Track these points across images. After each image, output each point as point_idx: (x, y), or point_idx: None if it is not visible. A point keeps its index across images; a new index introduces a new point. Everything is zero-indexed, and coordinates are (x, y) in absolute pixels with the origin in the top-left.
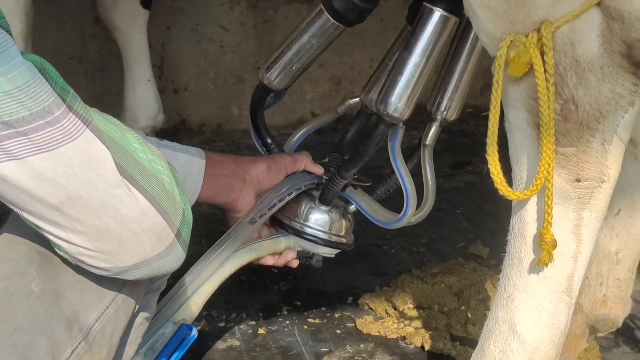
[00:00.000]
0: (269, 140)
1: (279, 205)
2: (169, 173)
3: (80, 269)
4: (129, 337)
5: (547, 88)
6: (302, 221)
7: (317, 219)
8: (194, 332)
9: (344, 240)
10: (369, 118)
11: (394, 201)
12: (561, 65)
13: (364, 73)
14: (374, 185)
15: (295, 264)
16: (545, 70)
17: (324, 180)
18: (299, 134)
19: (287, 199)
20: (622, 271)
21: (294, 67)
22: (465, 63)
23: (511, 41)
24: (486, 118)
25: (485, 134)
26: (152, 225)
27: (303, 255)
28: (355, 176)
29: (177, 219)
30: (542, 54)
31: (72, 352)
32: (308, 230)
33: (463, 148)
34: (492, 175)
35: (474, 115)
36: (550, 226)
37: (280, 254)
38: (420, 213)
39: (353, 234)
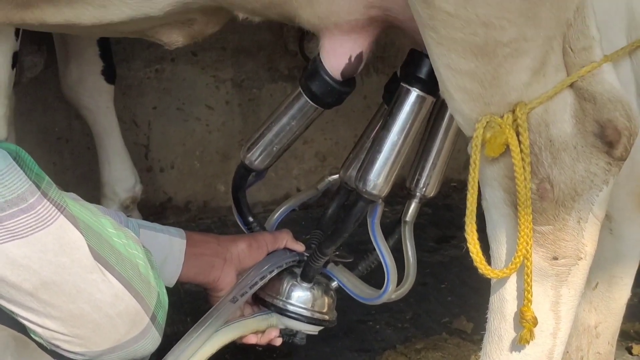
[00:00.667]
0: (251, 219)
1: (261, 283)
2: (144, 257)
3: (56, 354)
4: None
5: (523, 168)
6: (284, 299)
7: (300, 297)
8: None
9: (326, 317)
10: (349, 194)
11: (376, 276)
12: (536, 145)
13: (348, 149)
14: (356, 262)
15: (278, 342)
16: (521, 150)
17: (305, 257)
18: (279, 211)
19: (269, 277)
20: (602, 344)
21: (274, 148)
22: (443, 141)
23: (487, 122)
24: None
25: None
26: (127, 309)
27: (286, 333)
28: (337, 252)
29: (152, 303)
30: (518, 134)
31: None
32: (290, 308)
33: (447, 222)
34: (471, 254)
35: (458, 189)
36: (531, 304)
37: (263, 332)
38: (402, 289)
39: (337, 310)
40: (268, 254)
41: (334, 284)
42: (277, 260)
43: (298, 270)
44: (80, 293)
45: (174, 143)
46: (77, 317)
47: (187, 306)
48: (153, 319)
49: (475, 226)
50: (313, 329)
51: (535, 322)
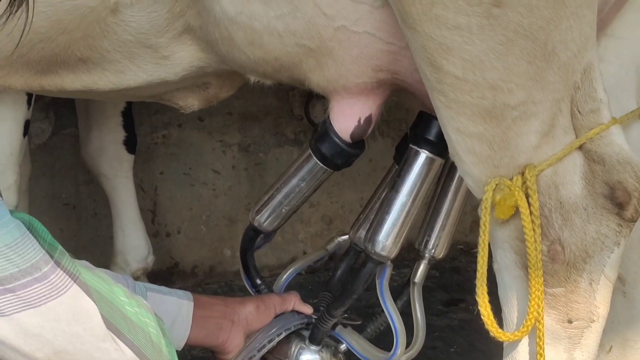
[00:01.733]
0: (259, 281)
1: (269, 346)
2: (156, 325)
3: None
4: None
5: (534, 230)
6: None
7: (307, 359)
8: None
9: None
10: (358, 255)
11: (385, 339)
12: (546, 207)
13: (354, 212)
14: (364, 324)
15: None
16: (530, 213)
17: (314, 320)
18: (287, 273)
19: (277, 339)
20: None
21: (283, 210)
22: (452, 202)
23: (496, 185)
24: (477, 255)
25: (476, 271)
26: None
27: None
28: (346, 315)
29: None
30: (527, 196)
31: None
32: None
33: (455, 285)
34: (482, 317)
35: (465, 251)
36: None
37: None
38: (411, 351)
39: None
40: (276, 317)
41: (343, 347)
42: (285, 322)
43: (306, 333)
44: None
45: (180, 208)
46: None
47: None
48: None
49: (486, 289)
50: None
51: None
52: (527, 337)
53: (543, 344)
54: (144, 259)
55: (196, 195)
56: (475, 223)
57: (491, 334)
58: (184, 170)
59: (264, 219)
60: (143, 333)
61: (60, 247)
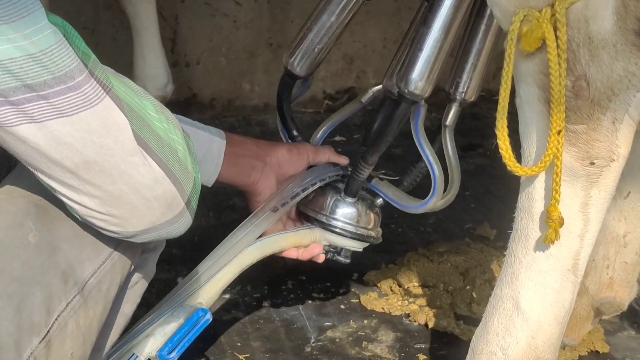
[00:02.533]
0: (295, 132)
1: (302, 195)
2: (183, 142)
3: (76, 223)
4: (126, 295)
5: (559, 64)
6: (327, 214)
7: (344, 212)
8: (209, 316)
9: (372, 234)
10: (394, 105)
11: (423, 191)
12: (574, 42)
13: (377, 52)
14: (402, 178)
15: (321, 258)
16: (557, 46)
17: (349, 172)
18: (324, 128)
19: (311, 189)
20: (629, 254)
21: (316, 49)
22: (482, 41)
23: (524, 16)
24: (497, 102)
25: (496, 117)
26: (164, 194)
27: (331, 250)
28: (383, 171)
29: (188, 188)
30: (555, 29)
31: (66, 305)
32: (334, 222)
33: (474, 131)
34: (500, 150)
35: (486, 98)
36: (558, 204)
37: (305, 247)
38: (448, 196)
39: None
40: (310, 168)
41: (379, 201)
42: (319, 173)
43: (342, 186)
44: (120, 175)
45: (200, 38)
46: (115, 198)
47: (209, 202)
48: (188, 203)
49: (506, 122)
50: (357, 245)
51: (561, 222)
52: (544, 173)
53: (560, 180)
54: (162, 87)
55: (217, 27)
56: (499, 69)
57: (508, 168)
58: None
59: (297, 62)
60: (170, 149)
61: (93, 56)
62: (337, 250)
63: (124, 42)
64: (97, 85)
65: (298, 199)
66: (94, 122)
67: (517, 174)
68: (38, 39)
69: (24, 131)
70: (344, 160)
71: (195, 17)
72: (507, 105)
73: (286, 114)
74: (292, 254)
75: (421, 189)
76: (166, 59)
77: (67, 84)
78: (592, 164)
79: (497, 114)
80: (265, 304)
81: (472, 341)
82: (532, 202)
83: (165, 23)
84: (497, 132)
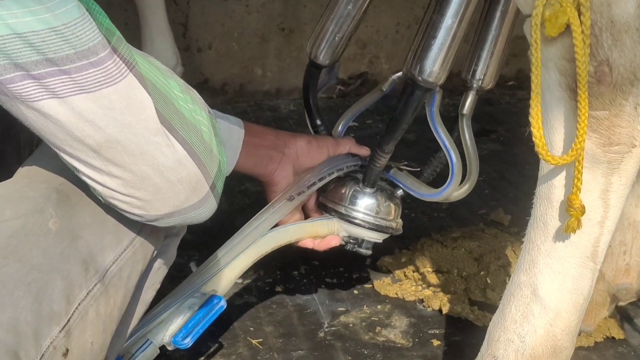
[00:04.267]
0: (318, 122)
1: (319, 184)
2: (208, 124)
3: (98, 210)
4: (147, 281)
5: (584, 50)
6: (346, 204)
7: (363, 202)
8: (223, 303)
9: (392, 224)
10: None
11: (443, 182)
12: (597, 26)
13: (389, 37)
14: (422, 169)
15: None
16: (582, 31)
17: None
18: (344, 120)
19: (328, 178)
20: None
21: (336, 38)
22: (499, 28)
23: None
24: (511, 87)
25: (509, 103)
26: (188, 176)
27: (351, 242)
28: (405, 162)
29: (213, 171)
30: (579, 13)
31: (87, 294)
32: (353, 213)
33: (487, 116)
34: (534, 139)
35: (499, 84)
36: (580, 192)
37: (322, 238)
38: (467, 185)
39: None
40: (329, 159)
41: (399, 192)
42: (337, 163)
43: (361, 176)
44: (143, 155)
45: (212, 23)
46: (138, 179)
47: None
48: (212, 187)
49: (540, 110)
50: (377, 236)
51: (582, 210)
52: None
53: (582, 167)
54: (172, 70)
55: (229, 11)
56: (512, 55)
57: (540, 157)
58: None
59: (320, 51)
60: (195, 130)
61: (118, 32)
62: (358, 242)
63: (136, 27)
64: (120, 62)
65: (315, 188)
66: (116, 100)
67: (549, 163)
68: (61, 12)
69: (45, 107)
70: (364, 152)
71: (207, 1)
72: (540, 92)
73: (312, 104)
74: (308, 244)
75: (440, 178)
76: (174, 42)
77: (90, 59)
78: (613, 150)
79: (531, 102)
80: (279, 288)
81: (489, 328)
82: (551, 188)
83: (177, 8)
84: (530, 119)
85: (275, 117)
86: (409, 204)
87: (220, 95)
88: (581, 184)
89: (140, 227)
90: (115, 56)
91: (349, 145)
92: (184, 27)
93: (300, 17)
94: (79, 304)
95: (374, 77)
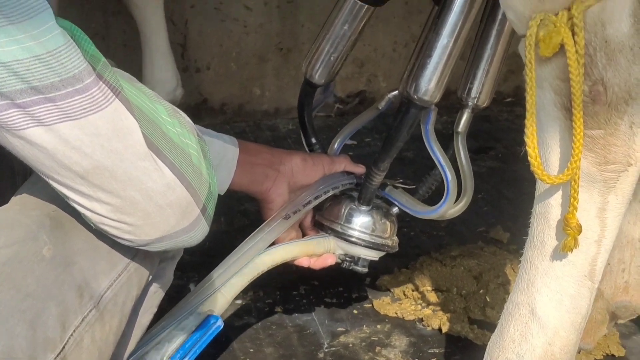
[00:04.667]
0: (314, 140)
1: (315, 202)
2: (197, 147)
3: (90, 236)
4: (143, 305)
5: (578, 69)
6: (342, 222)
7: (359, 220)
8: (220, 323)
9: (388, 242)
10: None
11: (439, 200)
12: (591, 46)
13: (387, 56)
14: (417, 186)
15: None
16: (576, 51)
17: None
18: (340, 138)
19: (323, 197)
20: None
21: (331, 58)
22: (494, 46)
23: (541, 20)
24: (509, 104)
25: (508, 120)
26: (178, 200)
27: (347, 260)
28: (401, 180)
29: (203, 194)
30: (573, 33)
31: (82, 320)
32: (349, 231)
33: (485, 134)
34: (529, 158)
35: (497, 101)
36: (576, 211)
37: (318, 256)
38: (462, 203)
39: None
40: (324, 177)
41: (395, 210)
42: (333, 181)
43: (357, 195)
44: (131, 180)
45: (210, 43)
46: (127, 204)
47: (221, 206)
48: (203, 210)
49: (535, 129)
50: (373, 254)
51: (579, 229)
52: None
53: (578, 187)
54: (172, 91)
55: (227, 31)
56: (510, 72)
57: (536, 176)
58: (215, 4)
59: (315, 71)
60: (184, 154)
61: (103, 58)
62: (354, 260)
63: (135, 48)
64: (106, 88)
65: (310, 206)
66: (103, 126)
67: (545, 183)
68: (45, 40)
69: (31, 135)
70: (360, 170)
71: (205, 22)
72: (535, 112)
73: (307, 122)
74: (303, 262)
75: (436, 195)
76: (175, 64)
77: (75, 87)
78: (609, 168)
79: (526, 121)
80: (278, 309)
81: (487, 348)
82: (548, 207)
83: (175, 28)
84: (526, 139)
85: (274, 136)
86: (408, 222)
87: (219, 115)
88: (578, 203)
89: (135, 252)
90: (101, 82)
91: (345, 163)
92: (182, 47)
93: (298, 36)
94: (74, 331)
95: (372, 95)
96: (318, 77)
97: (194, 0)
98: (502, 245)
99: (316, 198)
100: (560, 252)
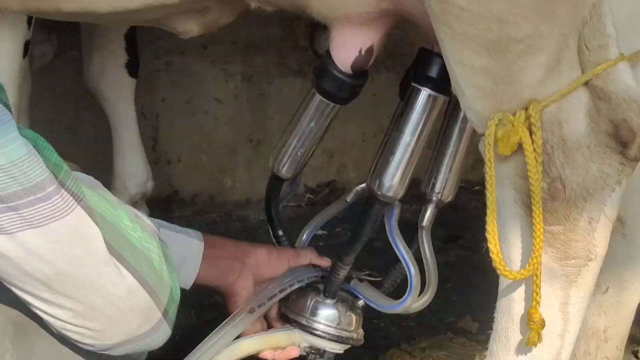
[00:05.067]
0: (280, 232)
1: (280, 295)
2: (159, 251)
3: (54, 341)
4: None
5: (537, 167)
6: (307, 315)
7: (324, 313)
8: None
9: (353, 335)
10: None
11: (403, 293)
12: (548, 144)
13: (356, 146)
14: (382, 279)
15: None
16: (534, 150)
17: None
18: (308, 230)
19: (289, 290)
20: (610, 349)
21: (298, 153)
22: (457, 143)
23: (499, 120)
24: (477, 192)
25: (476, 208)
26: (139, 305)
27: (312, 352)
28: (367, 272)
29: (165, 298)
30: (530, 132)
31: None
32: (314, 325)
33: (454, 222)
34: (491, 254)
35: (466, 189)
36: (539, 306)
37: (283, 349)
38: (425, 297)
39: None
40: (290, 269)
41: (360, 302)
42: (299, 274)
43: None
44: (93, 286)
45: (181, 136)
46: (89, 309)
47: (192, 300)
48: (165, 314)
49: (496, 226)
50: (338, 347)
51: (543, 324)
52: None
53: (540, 282)
54: (143, 184)
55: (197, 124)
56: (478, 161)
57: (498, 272)
58: (186, 98)
59: (282, 165)
60: (145, 258)
61: (65, 167)
62: (320, 353)
63: (105, 142)
64: (68, 195)
65: (276, 299)
66: (64, 233)
67: (507, 278)
68: (8, 151)
69: None
70: (325, 262)
71: (176, 115)
72: (496, 209)
73: (274, 215)
74: (268, 355)
75: (401, 288)
76: (145, 157)
77: (37, 195)
78: (570, 263)
79: (487, 218)
80: None
81: None
82: (511, 302)
83: (146, 122)
84: (487, 235)
85: (244, 227)
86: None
87: (190, 207)
88: (540, 297)
89: (98, 357)
90: (63, 190)
91: (310, 257)
92: (153, 140)
93: (267, 128)
94: None
95: (342, 185)
96: (285, 171)
97: (165, 94)
98: (472, 335)
99: (281, 291)
100: (525, 346)
